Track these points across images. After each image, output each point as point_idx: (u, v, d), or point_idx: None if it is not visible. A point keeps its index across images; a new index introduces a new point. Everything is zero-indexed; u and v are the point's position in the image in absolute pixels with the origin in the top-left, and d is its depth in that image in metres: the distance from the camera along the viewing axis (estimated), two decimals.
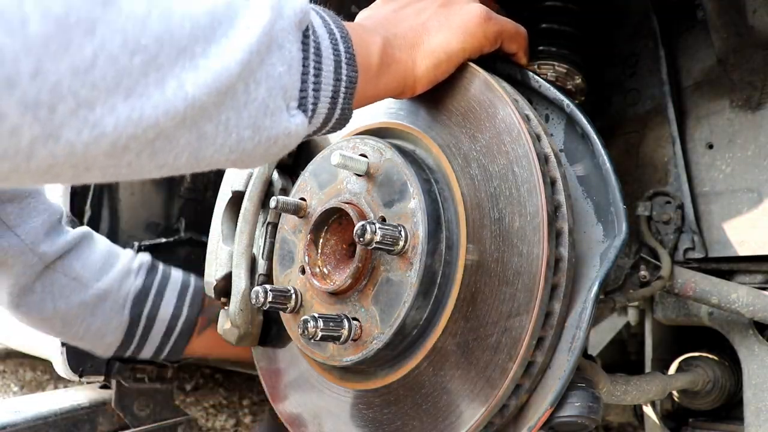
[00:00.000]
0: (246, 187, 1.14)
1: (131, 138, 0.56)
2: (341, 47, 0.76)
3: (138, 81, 0.54)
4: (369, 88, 0.83)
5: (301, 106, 0.72)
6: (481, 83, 0.90)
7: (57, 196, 1.50)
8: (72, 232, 1.31)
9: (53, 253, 1.25)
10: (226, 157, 0.67)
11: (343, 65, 0.76)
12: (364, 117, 1.05)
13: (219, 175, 1.24)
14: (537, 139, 0.87)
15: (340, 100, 0.77)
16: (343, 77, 0.76)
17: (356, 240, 0.85)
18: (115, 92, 0.53)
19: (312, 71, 0.72)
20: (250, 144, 0.68)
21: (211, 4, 0.60)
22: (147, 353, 1.39)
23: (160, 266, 1.39)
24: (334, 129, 0.82)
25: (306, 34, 0.71)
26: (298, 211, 1.02)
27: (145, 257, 1.38)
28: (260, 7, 0.65)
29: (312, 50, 0.72)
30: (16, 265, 1.22)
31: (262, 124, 0.67)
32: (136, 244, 1.58)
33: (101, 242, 1.36)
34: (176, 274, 1.39)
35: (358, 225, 0.85)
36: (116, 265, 1.32)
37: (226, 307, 1.16)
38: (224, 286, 1.15)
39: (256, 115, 0.66)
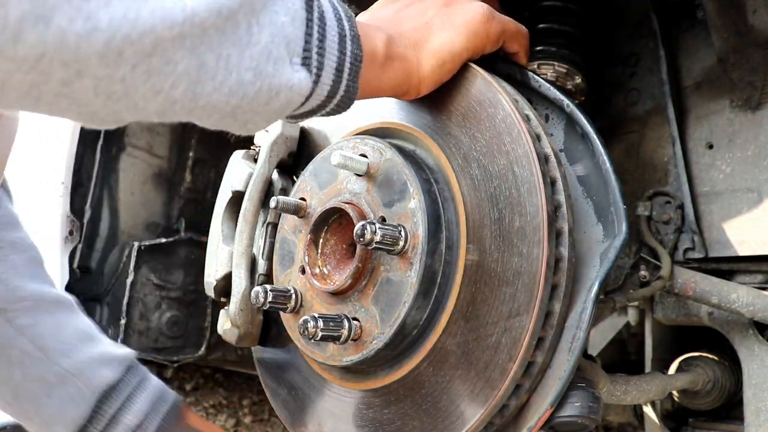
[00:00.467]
0: (246, 187, 1.14)
1: (126, 41, 0.54)
2: (345, 24, 0.76)
3: None
4: (373, 78, 0.82)
5: (305, 64, 0.72)
6: (481, 83, 0.90)
7: (57, 195, 1.50)
8: (48, 290, 1.14)
9: (4, 300, 1.08)
10: (225, 100, 0.66)
11: (348, 41, 0.76)
12: (364, 117, 1.06)
13: (219, 175, 1.24)
14: (537, 139, 0.87)
15: (345, 75, 0.76)
16: (348, 52, 0.76)
17: (356, 240, 0.85)
18: None
19: (316, 34, 0.72)
20: (252, 89, 0.67)
21: None
22: None
23: (141, 368, 1.20)
24: (338, 108, 0.80)
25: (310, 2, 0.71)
26: (298, 211, 1.02)
27: (128, 351, 1.20)
28: None
29: (316, 14, 0.72)
30: None
31: (265, 70, 0.67)
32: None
33: (80, 317, 1.19)
34: (155, 383, 1.20)
35: (358, 225, 0.85)
36: (92, 348, 1.14)
37: (226, 308, 1.16)
38: (224, 286, 1.15)
39: (258, 58, 0.66)
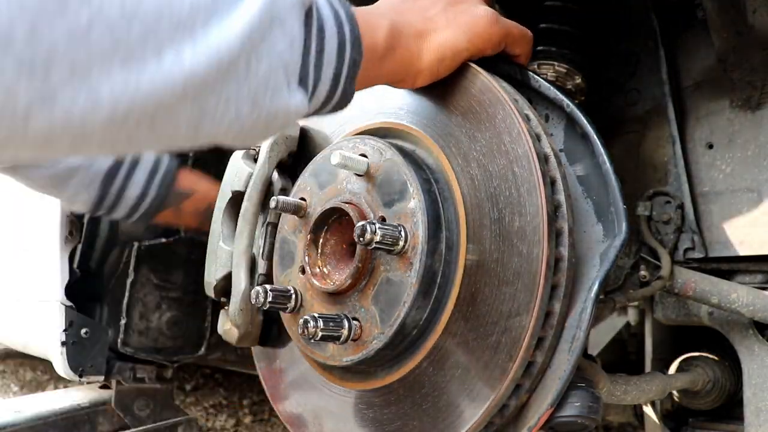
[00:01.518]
0: (246, 187, 1.14)
1: (129, 109, 0.56)
2: (346, 28, 0.76)
3: (135, 50, 0.54)
4: (372, 69, 0.83)
5: (302, 83, 0.72)
6: (481, 83, 0.90)
7: None
8: None
9: None
10: (225, 131, 0.67)
11: (347, 47, 0.76)
12: (364, 117, 1.06)
13: (219, 175, 1.24)
14: (537, 138, 0.87)
15: (342, 81, 0.77)
16: (347, 59, 0.76)
17: (356, 240, 0.85)
18: (111, 59, 0.53)
19: (314, 49, 0.72)
20: (249, 120, 0.68)
21: None
22: (117, 216, 1.37)
23: None
24: (334, 109, 0.81)
25: (309, 13, 0.71)
26: (298, 211, 1.02)
27: None
28: None
29: (315, 29, 0.72)
30: None
31: (262, 101, 0.67)
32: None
33: None
34: (147, 156, 1.35)
35: (358, 225, 0.85)
36: None
37: (226, 308, 1.16)
38: (224, 286, 1.15)
39: (256, 90, 0.66)
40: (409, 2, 0.92)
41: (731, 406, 1.38)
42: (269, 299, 0.98)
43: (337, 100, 0.79)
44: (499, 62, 1.00)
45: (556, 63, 1.19)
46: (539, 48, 1.21)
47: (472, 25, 0.90)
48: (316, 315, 0.89)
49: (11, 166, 1.25)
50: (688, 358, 1.40)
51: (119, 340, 1.61)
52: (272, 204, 1.01)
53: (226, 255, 1.15)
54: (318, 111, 0.80)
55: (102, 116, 0.55)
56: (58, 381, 2.86)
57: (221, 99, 0.63)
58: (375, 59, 0.82)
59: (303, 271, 1.00)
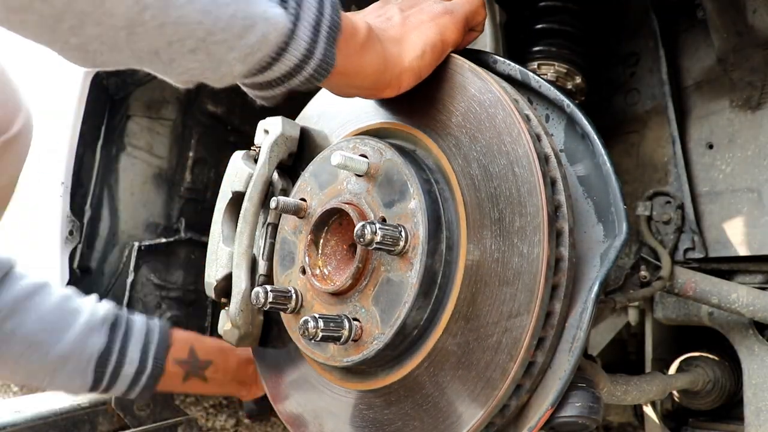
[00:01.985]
0: (246, 187, 1.14)
1: None
2: None
3: None
4: (354, 54, 0.83)
5: (283, 4, 0.71)
6: (481, 83, 0.90)
7: (57, 195, 1.50)
8: (21, 286, 1.23)
9: (5, 310, 1.18)
10: (198, 18, 0.63)
11: (327, 5, 0.76)
12: (363, 117, 1.05)
13: (219, 175, 1.24)
14: (537, 139, 0.87)
15: (323, 36, 0.76)
16: (326, 15, 0.76)
17: (357, 240, 0.85)
18: None
19: None
20: (225, 11, 0.65)
21: None
22: (117, 393, 1.35)
23: (123, 318, 1.33)
24: (314, 76, 0.80)
25: None
26: (298, 211, 1.02)
27: (107, 308, 1.32)
28: None
29: None
30: None
31: None
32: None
33: (57, 293, 1.28)
34: (138, 326, 1.34)
35: (358, 225, 0.85)
36: (76, 323, 1.26)
37: (226, 308, 1.16)
38: (225, 287, 1.15)
39: None
40: (370, 17, 0.95)
41: (731, 406, 1.38)
42: (270, 300, 0.98)
43: (319, 59, 0.77)
44: (498, 62, 1.00)
45: (556, 63, 1.19)
46: (539, 48, 1.21)
47: (435, 18, 0.94)
48: (317, 315, 0.89)
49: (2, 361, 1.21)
50: (688, 358, 1.40)
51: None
52: (272, 204, 1.01)
53: (226, 255, 1.15)
54: (298, 67, 0.77)
55: None
56: None
57: None
58: (355, 45, 0.83)
59: (303, 272, 1.00)
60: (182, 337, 1.38)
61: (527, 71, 1.00)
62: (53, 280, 1.29)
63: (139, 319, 1.34)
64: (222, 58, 0.69)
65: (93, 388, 1.28)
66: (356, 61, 0.84)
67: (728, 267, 1.27)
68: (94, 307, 1.29)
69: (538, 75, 1.00)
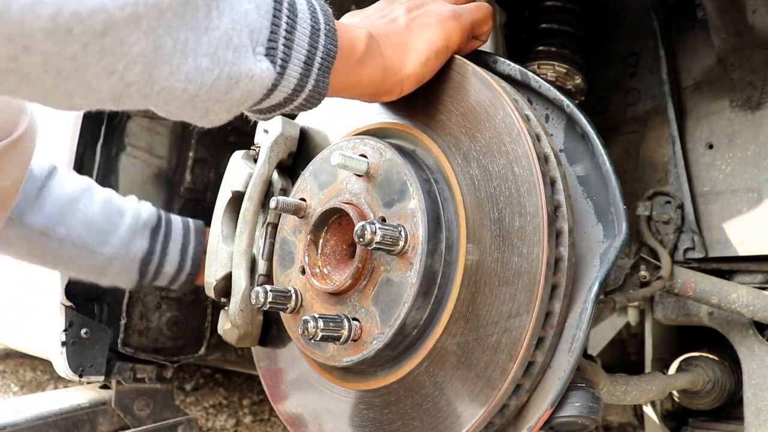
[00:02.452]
0: (246, 187, 1.14)
1: (75, 17, 0.53)
2: (321, 17, 0.76)
3: None
4: (352, 72, 0.83)
5: (269, 55, 0.71)
6: (481, 83, 0.90)
7: None
8: (66, 192, 1.29)
9: (40, 225, 1.24)
10: (183, 86, 0.65)
11: (322, 35, 0.76)
12: (363, 117, 1.06)
13: (219, 175, 1.24)
14: (537, 138, 0.87)
15: (315, 70, 0.76)
16: (320, 46, 0.76)
17: (356, 240, 0.85)
18: None
19: (284, 24, 0.72)
20: (209, 76, 0.66)
21: None
22: (161, 285, 1.45)
23: (163, 220, 1.40)
24: (307, 104, 0.80)
25: None
26: (298, 211, 1.02)
27: (149, 212, 1.38)
28: None
29: (286, 4, 0.72)
30: (20, 243, 1.25)
31: (224, 57, 0.66)
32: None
33: (100, 197, 1.34)
34: (177, 228, 1.41)
35: (358, 225, 0.85)
36: (121, 225, 1.33)
37: (226, 308, 1.16)
38: (224, 287, 1.15)
39: (217, 45, 0.65)
40: (374, 18, 0.94)
41: (731, 406, 1.38)
42: (269, 300, 0.98)
43: (310, 91, 0.78)
44: (498, 62, 1.00)
45: (556, 63, 1.19)
46: (539, 48, 1.21)
47: (442, 22, 0.93)
48: (316, 315, 0.89)
49: (53, 262, 1.30)
50: (688, 358, 1.40)
51: (119, 340, 1.61)
52: (272, 204, 1.01)
53: (226, 255, 1.15)
54: (289, 101, 0.78)
55: (43, 18, 0.52)
56: (58, 381, 2.86)
57: (178, 42, 0.62)
58: (353, 61, 0.82)
59: (303, 272, 1.00)
60: None
61: (527, 71, 1.00)
62: (94, 183, 1.36)
63: (177, 221, 1.41)
64: (208, 110, 0.71)
65: (138, 284, 1.39)
66: (354, 77, 0.84)
67: (728, 267, 1.27)
68: (136, 210, 1.36)
69: (538, 75, 1.00)
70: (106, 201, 1.34)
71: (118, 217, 1.34)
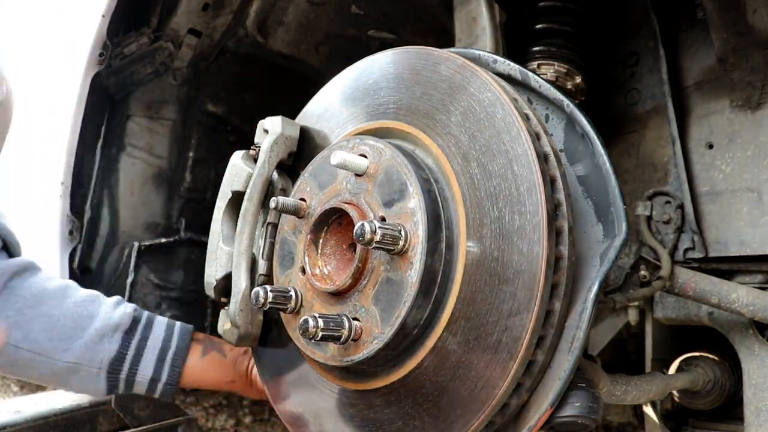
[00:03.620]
0: (246, 187, 1.14)
1: None
2: None
3: None
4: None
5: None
6: (480, 83, 0.90)
7: (57, 195, 1.50)
8: (30, 293, 1.19)
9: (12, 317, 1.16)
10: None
11: None
12: (363, 117, 1.06)
13: (219, 175, 1.24)
14: (536, 137, 0.87)
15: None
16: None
17: (356, 240, 0.85)
18: None
19: None
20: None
21: None
22: (139, 392, 1.32)
23: (142, 321, 1.29)
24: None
25: None
26: (297, 211, 1.02)
27: (124, 313, 1.26)
28: None
29: None
30: None
31: None
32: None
33: (74, 298, 1.24)
34: (158, 330, 1.29)
35: (358, 224, 0.85)
36: (88, 329, 1.22)
37: (226, 308, 1.16)
38: (224, 287, 1.15)
39: None
40: None
41: (731, 406, 1.38)
42: (269, 300, 0.98)
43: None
44: (498, 62, 1.01)
45: (556, 63, 1.19)
46: (539, 48, 1.21)
47: None
48: (317, 315, 0.89)
49: (9, 367, 1.21)
50: (688, 358, 1.40)
51: None
52: (272, 204, 1.01)
53: (226, 255, 1.15)
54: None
55: None
56: None
57: None
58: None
59: (303, 272, 1.00)
60: (197, 348, 1.34)
61: (527, 71, 1.00)
62: (73, 285, 1.26)
63: (160, 324, 1.30)
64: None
65: (110, 392, 1.27)
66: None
67: (728, 267, 1.27)
68: (109, 313, 1.25)
69: (538, 75, 1.00)
70: (78, 304, 1.24)
71: (87, 321, 1.23)
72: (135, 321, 1.27)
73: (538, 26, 1.23)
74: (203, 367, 1.31)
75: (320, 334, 0.88)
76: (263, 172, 1.13)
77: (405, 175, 0.90)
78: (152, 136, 1.72)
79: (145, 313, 1.29)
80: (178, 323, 1.31)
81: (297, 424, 1.09)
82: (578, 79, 1.21)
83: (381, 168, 0.93)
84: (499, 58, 1.01)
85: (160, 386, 1.27)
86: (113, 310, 1.25)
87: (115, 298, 1.29)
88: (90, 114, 1.55)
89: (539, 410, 0.85)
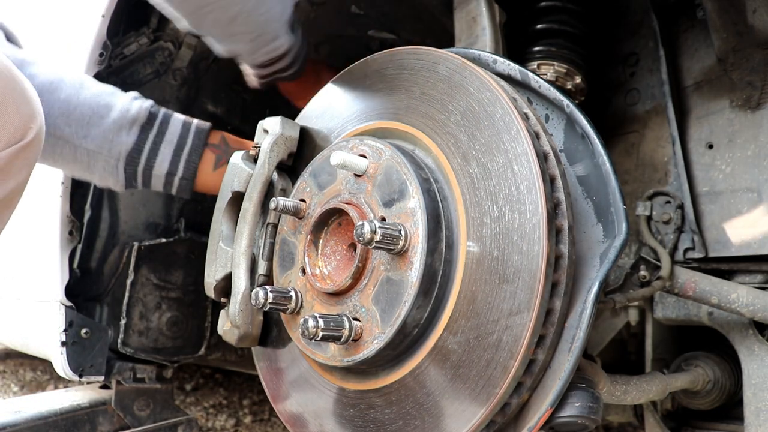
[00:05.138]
0: (246, 187, 1.14)
1: None
2: None
3: None
4: None
5: None
6: (480, 82, 0.91)
7: (57, 195, 1.50)
8: (45, 78, 1.20)
9: None
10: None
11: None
12: (363, 117, 1.06)
13: None
14: (536, 137, 0.87)
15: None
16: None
17: (356, 239, 0.85)
18: None
19: None
20: None
21: None
22: (156, 190, 1.34)
23: (159, 116, 1.29)
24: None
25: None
26: (297, 212, 1.02)
27: (141, 107, 1.27)
28: None
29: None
30: None
31: None
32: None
33: (93, 90, 1.25)
34: (173, 128, 1.30)
35: (358, 224, 0.85)
36: (106, 118, 1.24)
37: (226, 308, 1.16)
38: (224, 287, 1.15)
39: None
40: None
41: (731, 406, 1.38)
42: (269, 300, 0.98)
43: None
44: (498, 62, 1.01)
45: (556, 63, 1.19)
46: (539, 48, 1.21)
47: None
48: (317, 315, 0.89)
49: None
50: (688, 357, 1.40)
51: (119, 340, 1.61)
52: (272, 205, 1.01)
53: (226, 255, 1.15)
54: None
55: None
56: (58, 381, 2.86)
57: None
58: None
59: (303, 272, 1.00)
60: (216, 137, 1.35)
61: (527, 71, 1.00)
62: (89, 79, 1.27)
63: (177, 120, 1.31)
64: None
65: (128, 186, 1.29)
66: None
67: (728, 267, 1.27)
68: (126, 105, 1.27)
69: (538, 75, 1.00)
70: (96, 94, 1.25)
71: (105, 110, 1.24)
72: (152, 116, 1.28)
73: (538, 26, 1.23)
74: (215, 179, 1.32)
75: (320, 334, 0.89)
76: (263, 172, 1.13)
77: (404, 174, 0.90)
78: None
79: (162, 110, 1.30)
80: (195, 121, 1.32)
81: (297, 425, 1.09)
82: (578, 79, 1.21)
83: (381, 168, 0.93)
84: (499, 58, 1.01)
85: (176, 180, 1.29)
86: (130, 103, 1.27)
87: (133, 93, 1.30)
88: None
89: (539, 410, 0.85)
